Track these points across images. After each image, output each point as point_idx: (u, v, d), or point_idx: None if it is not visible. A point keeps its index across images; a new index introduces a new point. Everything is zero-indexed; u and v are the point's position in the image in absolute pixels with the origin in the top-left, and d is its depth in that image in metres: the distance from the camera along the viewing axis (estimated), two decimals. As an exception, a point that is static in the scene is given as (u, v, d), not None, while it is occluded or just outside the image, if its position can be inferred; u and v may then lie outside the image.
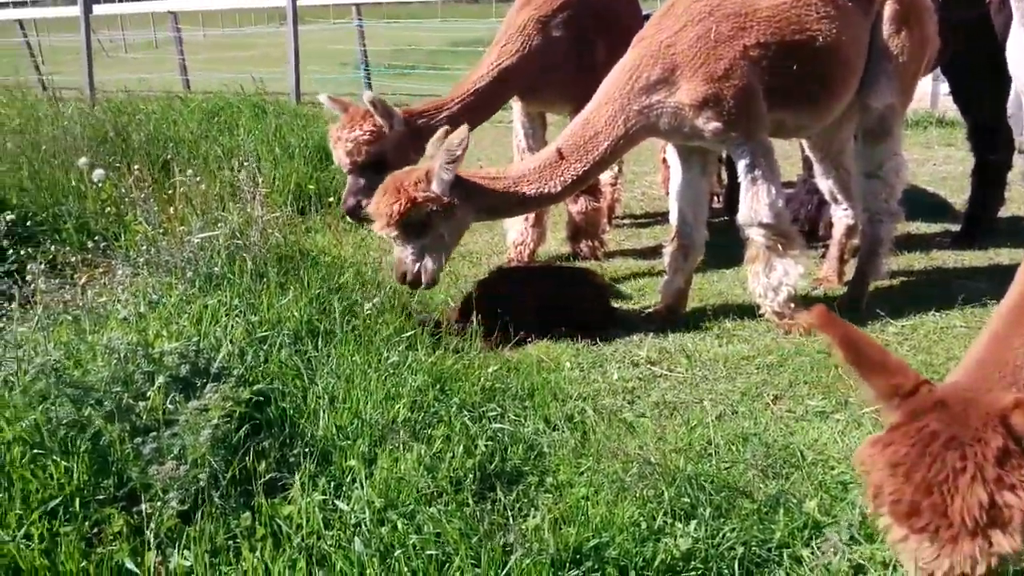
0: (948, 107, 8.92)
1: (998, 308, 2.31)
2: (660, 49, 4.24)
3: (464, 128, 4.12)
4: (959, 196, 6.98)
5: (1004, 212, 6.30)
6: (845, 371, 2.33)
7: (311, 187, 6.74)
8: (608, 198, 6.59)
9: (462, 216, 4.27)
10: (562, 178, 4.25)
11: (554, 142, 4.35)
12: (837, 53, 4.41)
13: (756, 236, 4.45)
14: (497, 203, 4.34)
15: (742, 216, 4.47)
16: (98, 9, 16.56)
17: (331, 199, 6.63)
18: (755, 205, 4.39)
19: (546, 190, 4.26)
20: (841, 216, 5.35)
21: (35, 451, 2.77)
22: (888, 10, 4.57)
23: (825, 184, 5.35)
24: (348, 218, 5.39)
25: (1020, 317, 2.18)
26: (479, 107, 5.33)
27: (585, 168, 4.28)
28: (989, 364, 2.12)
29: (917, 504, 1.84)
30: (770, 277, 4.45)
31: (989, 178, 6.05)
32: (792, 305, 4.49)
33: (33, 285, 4.00)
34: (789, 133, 4.99)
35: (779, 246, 4.43)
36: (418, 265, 4.22)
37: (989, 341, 2.19)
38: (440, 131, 4.33)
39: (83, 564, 2.44)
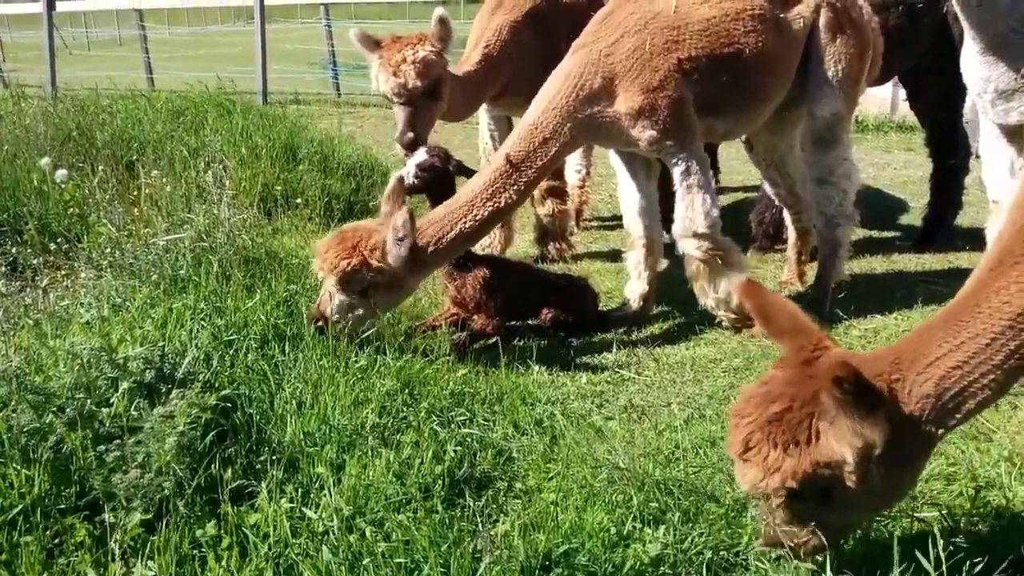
0: (907, 112, 9.07)
1: None
2: (600, 58, 4.29)
3: (405, 211, 3.96)
4: (919, 200, 7.07)
5: (962, 216, 6.40)
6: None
7: (278, 188, 6.67)
8: (576, 201, 6.63)
9: (407, 290, 4.22)
10: (515, 187, 4.22)
11: (500, 150, 4.34)
12: (765, 64, 4.50)
13: (692, 250, 4.45)
14: (456, 242, 4.17)
15: (677, 226, 4.48)
16: (61, 6, 16.35)
17: (299, 200, 6.59)
18: (690, 214, 4.41)
19: (502, 203, 4.21)
20: (793, 221, 5.45)
21: (-5, 459, 2.72)
22: (823, 19, 4.65)
23: (773, 191, 5.47)
24: (406, 151, 4.92)
25: (950, 319, 2.31)
26: (467, 101, 5.40)
27: (536, 175, 4.30)
28: (899, 350, 2.34)
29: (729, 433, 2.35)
30: (718, 291, 4.49)
31: (947, 183, 6.17)
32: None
33: (-7, 288, 3.94)
34: (719, 138, 5.08)
35: (718, 260, 4.45)
36: (336, 318, 3.99)
37: (918, 332, 2.39)
38: (391, 183, 4.24)
39: (44, 575, 2.39)
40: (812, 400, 2.20)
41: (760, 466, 2.22)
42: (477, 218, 4.16)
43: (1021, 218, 2.36)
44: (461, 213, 4.15)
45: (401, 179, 4.29)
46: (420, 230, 4.09)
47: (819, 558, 2.54)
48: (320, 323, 3.97)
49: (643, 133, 4.30)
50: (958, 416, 2.29)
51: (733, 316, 4.57)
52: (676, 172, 4.43)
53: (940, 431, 2.31)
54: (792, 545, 2.39)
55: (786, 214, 5.52)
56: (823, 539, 2.36)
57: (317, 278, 4.15)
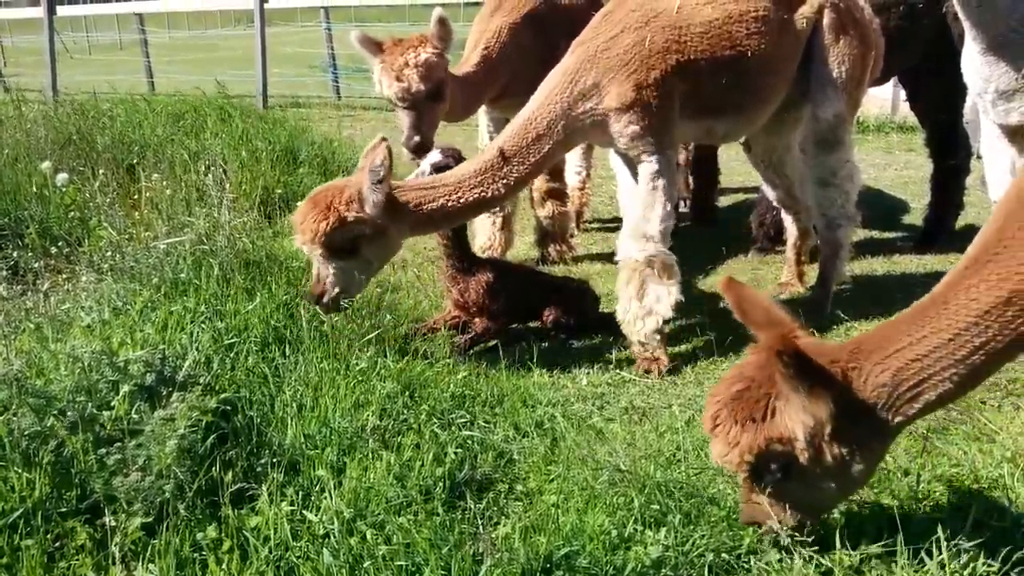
0: (908, 113, 9.09)
1: None
2: (597, 53, 4.23)
3: (384, 146, 3.92)
4: (920, 200, 7.07)
5: (963, 216, 6.40)
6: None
7: (278, 191, 6.68)
8: (576, 202, 6.63)
9: (393, 239, 4.12)
10: (504, 181, 4.14)
11: (495, 142, 4.28)
12: (767, 65, 4.45)
13: (636, 252, 4.30)
14: (436, 215, 4.09)
15: (629, 225, 4.37)
16: (62, 10, 16.36)
17: (299, 203, 6.57)
18: (648, 215, 4.30)
19: (489, 194, 4.13)
20: (792, 222, 5.43)
21: (-4, 463, 2.72)
22: (826, 20, 4.60)
23: (772, 193, 5.43)
24: (414, 156, 4.94)
25: (917, 314, 2.42)
26: (467, 102, 5.37)
27: (527, 171, 4.22)
28: (861, 340, 2.49)
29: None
30: (642, 302, 4.28)
31: (948, 183, 6.17)
32: (658, 338, 4.29)
33: (-6, 292, 3.94)
34: (719, 140, 5.01)
35: (656, 271, 4.28)
36: (336, 288, 4.00)
37: (885, 324, 2.52)
38: (375, 140, 4.14)
39: (45, 578, 2.40)
40: (770, 381, 2.36)
41: (724, 441, 2.42)
42: (461, 200, 4.07)
43: (1001, 218, 2.41)
44: (447, 191, 4.07)
45: (385, 139, 4.14)
46: (403, 188, 4.04)
47: (825, 561, 2.54)
48: (324, 301, 3.96)
49: (626, 129, 4.22)
50: (917, 407, 2.38)
51: (641, 339, 4.29)
52: (645, 171, 4.32)
53: (898, 419, 2.41)
54: (770, 520, 2.53)
55: (784, 216, 5.50)
56: (797, 516, 2.53)
57: (303, 253, 4.11)
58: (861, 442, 2.41)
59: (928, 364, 2.33)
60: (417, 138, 4.94)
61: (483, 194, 4.12)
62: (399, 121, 5.10)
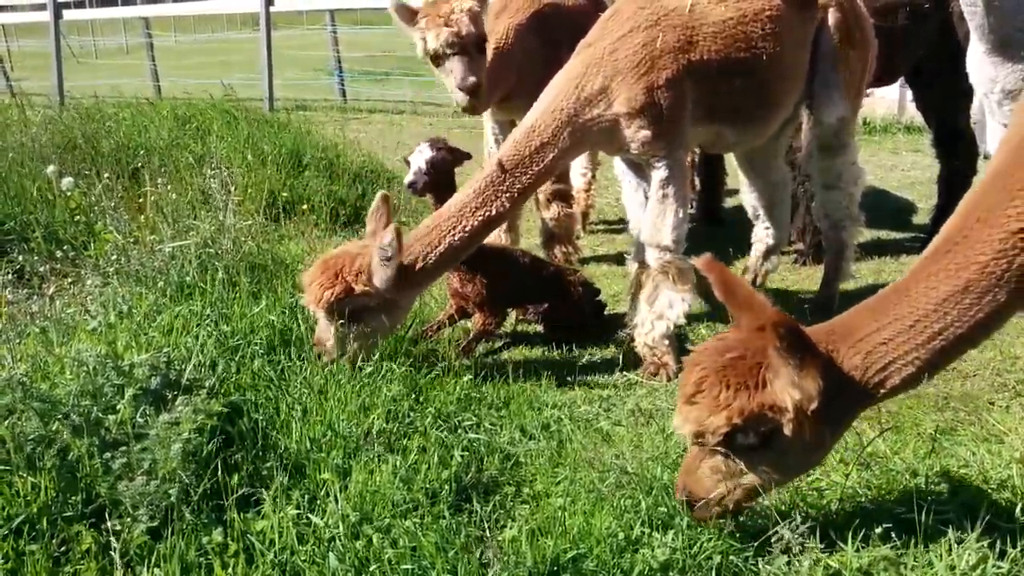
0: (915, 114, 9.06)
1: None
2: (604, 56, 4.05)
3: (392, 229, 3.72)
4: (927, 201, 7.05)
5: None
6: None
7: (284, 194, 6.68)
8: (582, 204, 6.61)
9: (399, 312, 3.97)
10: (508, 194, 3.95)
11: (495, 153, 4.10)
12: (779, 68, 4.32)
13: (651, 260, 4.24)
14: (447, 255, 3.91)
15: (645, 234, 4.26)
16: (68, 14, 16.40)
17: (304, 206, 6.60)
18: (659, 224, 4.19)
19: (493, 211, 3.94)
20: (762, 234, 5.25)
21: (1, 467, 2.71)
22: (832, 19, 4.50)
23: (750, 199, 5.24)
24: (470, 97, 4.86)
25: (881, 300, 2.55)
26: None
27: (530, 181, 4.03)
28: (835, 324, 2.58)
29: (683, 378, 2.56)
30: (653, 306, 4.24)
31: (954, 184, 6.14)
32: (666, 343, 4.24)
33: (-1, 296, 3.95)
34: (727, 147, 4.88)
35: (671, 277, 4.21)
36: (336, 352, 3.80)
37: (853, 310, 2.60)
38: (376, 200, 4.01)
39: (50, 583, 2.39)
40: (762, 352, 2.41)
41: (708, 405, 2.42)
42: (467, 229, 3.90)
43: (963, 207, 2.51)
44: (449, 226, 3.89)
45: (386, 196, 4.04)
46: (406, 247, 3.83)
47: (833, 563, 2.52)
48: (323, 354, 3.80)
49: (638, 134, 4.06)
50: (884, 390, 2.50)
51: (649, 343, 4.25)
52: (656, 177, 4.19)
53: (867, 400, 2.54)
54: (713, 498, 2.56)
55: (755, 229, 5.28)
56: (745, 492, 2.56)
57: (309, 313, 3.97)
58: (836, 419, 2.52)
59: (893, 348, 2.45)
60: (473, 78, 4.77)
61: (487, 213, 3.93)
62: (448, 72, 4.87)
